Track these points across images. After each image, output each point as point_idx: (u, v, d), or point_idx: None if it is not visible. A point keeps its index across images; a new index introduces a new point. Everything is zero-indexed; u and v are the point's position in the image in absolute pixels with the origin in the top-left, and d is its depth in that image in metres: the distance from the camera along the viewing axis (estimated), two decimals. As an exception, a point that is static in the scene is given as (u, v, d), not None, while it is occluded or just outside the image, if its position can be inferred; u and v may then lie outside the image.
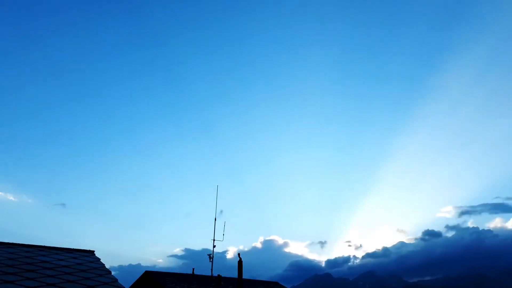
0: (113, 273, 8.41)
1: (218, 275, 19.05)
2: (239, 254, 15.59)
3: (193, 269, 19.55)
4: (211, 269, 18.97)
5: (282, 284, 23.34)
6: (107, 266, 9.05)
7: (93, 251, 10.32)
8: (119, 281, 7.79)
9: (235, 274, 16.09)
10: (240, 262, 15.53)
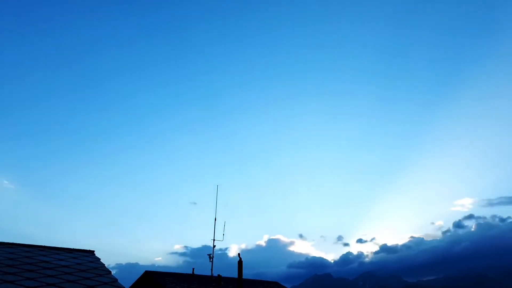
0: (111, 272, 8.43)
1: (218, 275, 19.06)
2: (239, 254, 15.58)
3: (193, 269, 19.59)
4: (211, 269, 18.98)
5: (283, 284, 23.36)
6: (104, 264, 9.07)
7: (93, 251, 10.34)
8: (117, 280, 7.80)
9: (237, 272, 16.03)
10: (240, 262, 15.52)
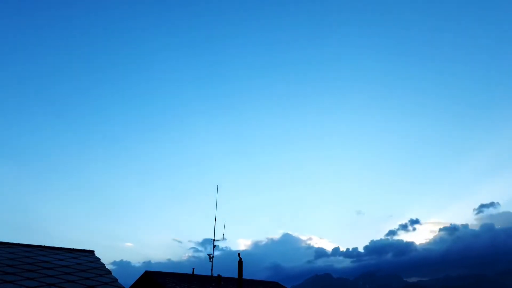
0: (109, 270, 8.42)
1: (218, 275, 19.06)
2: (239, 254, 15.56)
3: (193, 269, 19.59)
4: (211, 269, 18.98)
5: (283, 284, 23.37)
6: (104, 264, 9.07)
7: (93, 251, 10.35)
8: (117, 280, 7.79)
9: (237, 271, 15.99)
10: (240, 262, 15.50)
